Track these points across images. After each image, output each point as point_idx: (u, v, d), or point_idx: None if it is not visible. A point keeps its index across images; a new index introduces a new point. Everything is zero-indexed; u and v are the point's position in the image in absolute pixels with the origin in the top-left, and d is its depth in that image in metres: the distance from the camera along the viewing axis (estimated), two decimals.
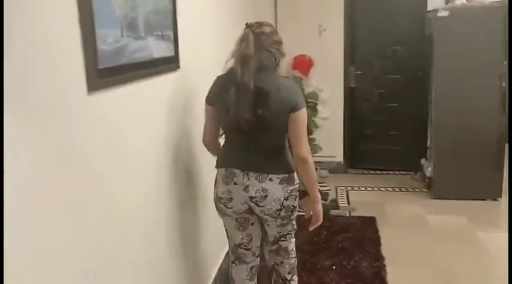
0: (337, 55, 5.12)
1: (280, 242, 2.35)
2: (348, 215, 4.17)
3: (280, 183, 2.14)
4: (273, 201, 2.13)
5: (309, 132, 4.88)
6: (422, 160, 4.77)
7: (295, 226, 2.34)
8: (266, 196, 2.13)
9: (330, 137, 5.24)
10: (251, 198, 2.15)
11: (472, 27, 4.17)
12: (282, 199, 2.15)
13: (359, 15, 5.22)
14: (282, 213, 2.18)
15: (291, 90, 2.12)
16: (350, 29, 5.15)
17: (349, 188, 4.90)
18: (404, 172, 5.30)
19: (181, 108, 2.34)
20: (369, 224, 3.92)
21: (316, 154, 4.97)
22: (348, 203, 4.49)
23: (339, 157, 5.36)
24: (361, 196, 4.67)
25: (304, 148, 2.12)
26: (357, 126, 5.42)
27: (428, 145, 4.58)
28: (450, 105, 4.30)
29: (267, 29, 2.14)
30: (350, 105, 5.34)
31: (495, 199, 4.39)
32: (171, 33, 2.15)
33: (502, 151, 4.30)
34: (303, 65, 4.98)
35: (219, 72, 2.22)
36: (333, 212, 4.18)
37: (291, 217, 2.25)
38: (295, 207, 2.23)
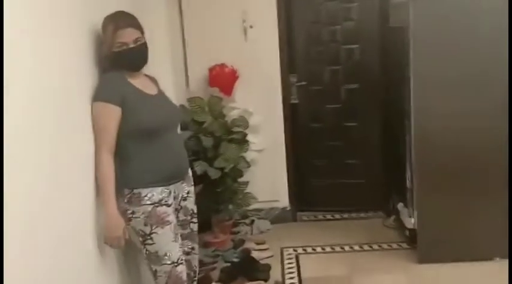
0: (271, 61, 3.65)
1: None
2: None
3: None
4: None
5: (238, 174, 3.41)
6: (400, 206, 3.40)
7: None
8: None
9: (269, 176, 3.79)
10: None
11: (463, 10, 2.82)
12: None
13: (298, 5, 3.78)
14: None
15: None
16: (286, 24, 3.70)
17: (300, 250, 3.44)
18: (372, 214, 3.94)
19: None
20: None
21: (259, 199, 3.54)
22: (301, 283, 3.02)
23: (284, 201, 3.89)
24: (319, 267, 3.21)
25: None
26: (304, 156, 3.99)
27: (407, 184, 3.20)
28: (439, 123, 2.92)
29: None
30: (293, 128, 3.88)
31: (505, 258, 3.08)
32: None
33: None
34: (223, 79, 3.46)
35: None
36: None
37: None
38: None
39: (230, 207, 3.40)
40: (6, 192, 1.31)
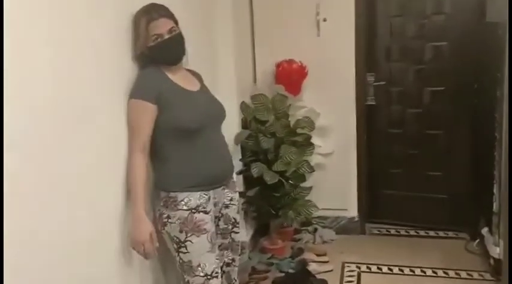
0: (346, 58, 3.32)
1: None
2: None
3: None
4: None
5: (300, 178, 3.17)
6: (485, 230, 2.93)
7: None
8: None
9: (337, 182, 3.50)
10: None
11: None
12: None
13: None
14: None
15: None
16: (365, 17, 3.35)
17: (363, 267, 3.12)
18: (453, 234, 3.48)
19: None
20: None
21: (319, 206, 3.29)
22: None
23: (352, 211, 3.57)
24: None
25: None
26: (379, 163, 3.62)
27: (494, 208, 2.73)
28: None
29: None
30: (368, 132, 3.54)
31: None
32: None
33: None
34: (290, 76, 3.23)
35: None
36: None
37: None
38: None
39: (290, 213, 3.18)
40: (25, 191, 1.29)
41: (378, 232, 3.63)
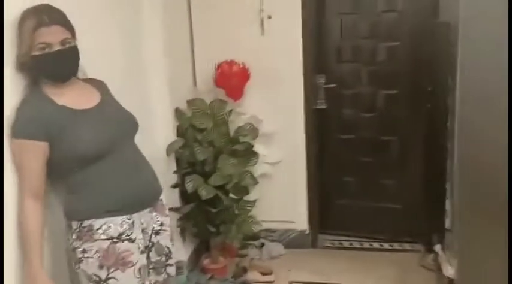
0: (293, 58, 3.04)
1: None
2: None
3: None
4: None
5: (242, 191, 2.89)
6: (438, 247, 2.72)
7: None
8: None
9: (285, 193, 3.25)
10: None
11: None
12: None
13: None
14: None
15: None
16: (314, 14, 3.09)
17: None
18: (409, 247, 3.29)
19: None
20: None
21: (267, 219, 3.06)
22: None
23: (301, 223, 3.32)
24: None
25: None
26: (330, 171, 3.39)
27: (446, 224, 2.52)
28: (490, 148, 2.19)
29: None
30: (319, 138, 3.30)
31: None
32: None
33: None
34: (230, 79, 2.93)
35: None
36: None
37: None
38: None
39: (232, 228, 2.90)
40: None
41: (331, 245, 3.39)
